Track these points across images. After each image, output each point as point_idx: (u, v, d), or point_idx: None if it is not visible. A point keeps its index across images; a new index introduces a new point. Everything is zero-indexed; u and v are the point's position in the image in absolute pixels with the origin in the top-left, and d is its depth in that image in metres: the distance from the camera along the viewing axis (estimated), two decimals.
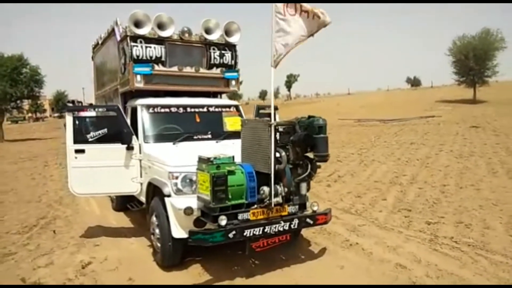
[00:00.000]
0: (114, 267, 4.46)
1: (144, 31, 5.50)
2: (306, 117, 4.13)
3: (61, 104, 66.23)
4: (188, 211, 3.93)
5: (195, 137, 5.42)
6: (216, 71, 6.05)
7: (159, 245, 4.37)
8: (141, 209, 5.65)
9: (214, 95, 6.54)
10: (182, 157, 4.51)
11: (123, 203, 6.79)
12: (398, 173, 8.77)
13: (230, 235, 3.69)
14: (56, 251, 5.06)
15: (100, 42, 7.34)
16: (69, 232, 5.83)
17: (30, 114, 64.99)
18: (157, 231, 4.38)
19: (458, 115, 26.93)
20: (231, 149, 5.31)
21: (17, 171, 12.01)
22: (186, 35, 5.84)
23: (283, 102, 64.24)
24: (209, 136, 5.53)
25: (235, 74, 6.19)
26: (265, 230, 3.86)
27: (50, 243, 5.36)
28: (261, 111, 6.28)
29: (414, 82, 74.22)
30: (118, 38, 5.90)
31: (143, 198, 5.21)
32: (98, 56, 7.81)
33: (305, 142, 3.89)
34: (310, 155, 4.12)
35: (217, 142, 5.48)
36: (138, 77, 5.52)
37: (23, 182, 10.15)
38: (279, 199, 3.93)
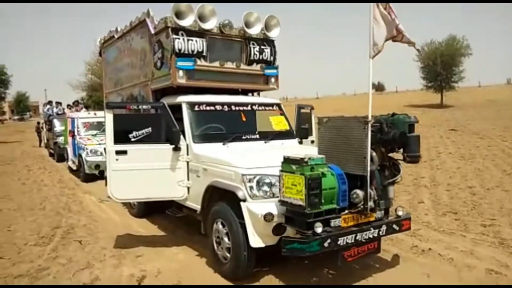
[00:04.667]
0: (176, 281, 4.01)
1: (186, 22, 5.06)
2: (390, 114, 3.89)
3: (22, 106, 62.72)
4: (269, 217, 3.57)
5: (243, 137, 5.05)
6: (256, 67, 5.69)
7: (228, 255, 3.95)
8: (181, 215, 5.18)
9: (244, 92, 6.16)
10: (253, 159, 4.15)
11: (146, 208, 6.32)
12: (414, 175, 8.70)
13: (326, 244, 3.37)
14: (95, 264, 4.52)
15: (116, 36, 6.79)
16: (97, 243, 5.28)
17: None
18: (226, 240, 3.96)
19: (430, 119, 27.51)
20: (282, 150, 5.01)
21: (0, 176, 11.03)
22: (227, 28, 5.46)
23: None
24: (257, 136, 5.17)
25: (275, 70, 5.85)
26: (357, 238, 3.57)
27: (82, 255, 4.81)
28: (302, 110, 5.99)
29: (379, 87, 75.64)
30: (153, 31, 5.43)
31: (191, 204, 4.79)
32: (111, 51, 7.23)
33: (400, 141, 3.63)
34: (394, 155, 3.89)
35: (265, 142, 5.14)
36: (181, 72, 5.07)
37: (13, 187, 9.27)
38: (372, 203, 3.64)
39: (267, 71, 5.78)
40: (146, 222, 6.21)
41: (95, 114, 11.74)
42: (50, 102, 17.53)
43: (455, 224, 5.37)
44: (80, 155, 9.98)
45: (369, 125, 3.51)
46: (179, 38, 5.05)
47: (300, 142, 5.65)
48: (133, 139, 4.70)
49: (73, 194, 8.34)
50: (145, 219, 6.32)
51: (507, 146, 12.28)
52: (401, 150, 3.83)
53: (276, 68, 5.87)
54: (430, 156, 11.41)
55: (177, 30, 5.06)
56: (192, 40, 5.14)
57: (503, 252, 4.34)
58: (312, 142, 6.15)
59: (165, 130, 4.74)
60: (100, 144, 9.82)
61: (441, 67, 37.28)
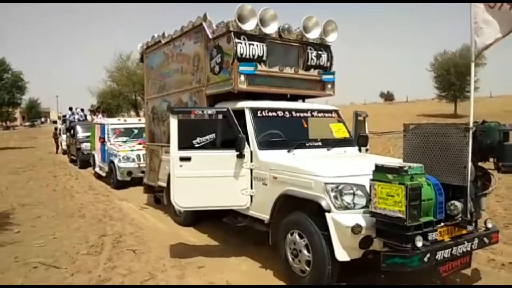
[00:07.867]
0: None
1: (248, 26, 4.95)
2: (480, 122, 3.70)
3: (33, 112, 62.95)
4: (357, 229, 3.38)
5: (307, 144, 4.89)
6: (313, 73, 5.54)
7: (307, 268, 3.75)
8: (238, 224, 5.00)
9: (294, 98, 5.98)
10: (334, 167, 3.97)
11: (194, 217, 6.14)
12: None
13: (425, 259, 3.17)
14: (158, 275, 4.33)
15: (163, 41, 6.68)
16: (152, 252, 5.09)
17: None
18: (305, 252, 3.75)
19: None
20: (353, 158, 4.86)
21: (28, 182, 10.90)
22: (286, 32, 5.32)
23: None
24: (319, 143, 5.00)
25: (332, 76, 5.70)
26: (453, 252, 3.37)
27: (140, 266, 4.62)
28: (359, 118, 5.82)
29: (388, 97, 75.08)
30: (210, 35, 5.30)
31: (254, 213, 4.60)
32: (155, 56, 7.11)
33: (497, 149, 3.45)
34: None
35: (328, 150, 4.98)
36: (242, 77, 4.93)
37: (45, 194, 9.13)
38: (469, 216, 3.45)
39: (324, 77, 5.63)
40: (195, 231, 6.03)
41: (125, 120, 11.64)
42: (71, 109, 17.50)
43: None
44: (111, 161, 9.84)
45: (470, 132, 3.33)
46: (241, 43, 4.93)
47: (359, 150, 5.48)
48: (196, 145, 4.55)
49: (110, 201, 8.18)
50: (192, 228, 6.14)
51: None
52: (492, 159, 3.65)
53: (333, 74, 5.72)
54: None
55: (239, 34, 4.93)
56: (253, 44, 5.01)
57: None
58: (367, 150, 5.97)
59: (229, 136, 4.58)
60: (132, 150, 9.70)
61: (455, 76, 37.02)
